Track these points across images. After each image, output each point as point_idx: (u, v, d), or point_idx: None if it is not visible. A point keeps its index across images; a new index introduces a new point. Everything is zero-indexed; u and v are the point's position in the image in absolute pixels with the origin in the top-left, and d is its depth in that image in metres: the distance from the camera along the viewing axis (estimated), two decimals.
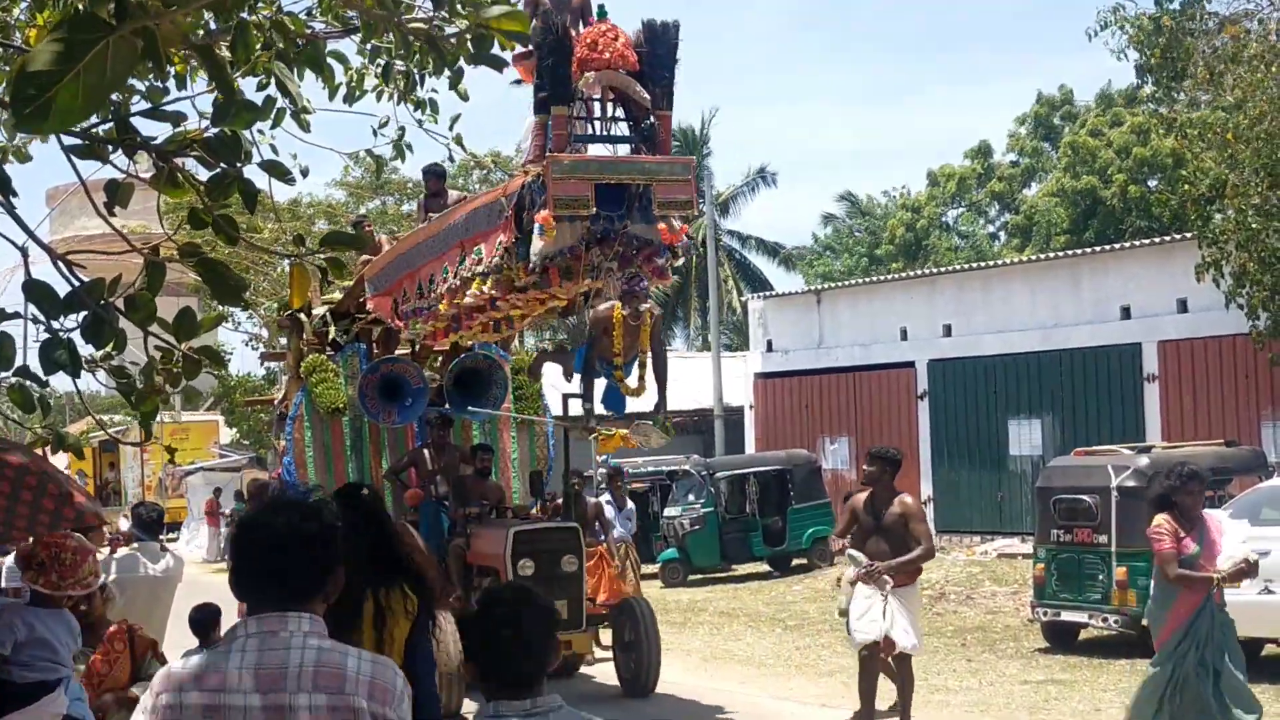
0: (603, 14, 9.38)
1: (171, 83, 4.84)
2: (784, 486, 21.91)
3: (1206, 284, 17.41)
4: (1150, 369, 20.54)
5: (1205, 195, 17.43)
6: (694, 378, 29.56)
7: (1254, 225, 16.11)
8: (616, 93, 9.15)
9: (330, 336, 13.82)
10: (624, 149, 9.34)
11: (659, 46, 9.23)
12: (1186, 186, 18.21)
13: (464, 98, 7.25)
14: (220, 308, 9.84)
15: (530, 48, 8.88)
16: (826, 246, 49.17)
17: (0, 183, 3.69)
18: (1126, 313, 20.86)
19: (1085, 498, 13.16)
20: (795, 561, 21.87)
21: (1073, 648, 13.54)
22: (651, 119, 9.17)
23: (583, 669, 12.96)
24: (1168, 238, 21.64)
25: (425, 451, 12.50)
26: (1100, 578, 12.91)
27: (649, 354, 10.59)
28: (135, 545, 8.54)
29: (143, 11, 1.55)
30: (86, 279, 3.43)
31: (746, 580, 21.03)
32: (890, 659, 9.28)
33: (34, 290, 3.24)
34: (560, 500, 13.36)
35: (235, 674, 2.91)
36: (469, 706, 10.20)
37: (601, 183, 8.81)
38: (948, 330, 23.27)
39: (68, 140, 3.41)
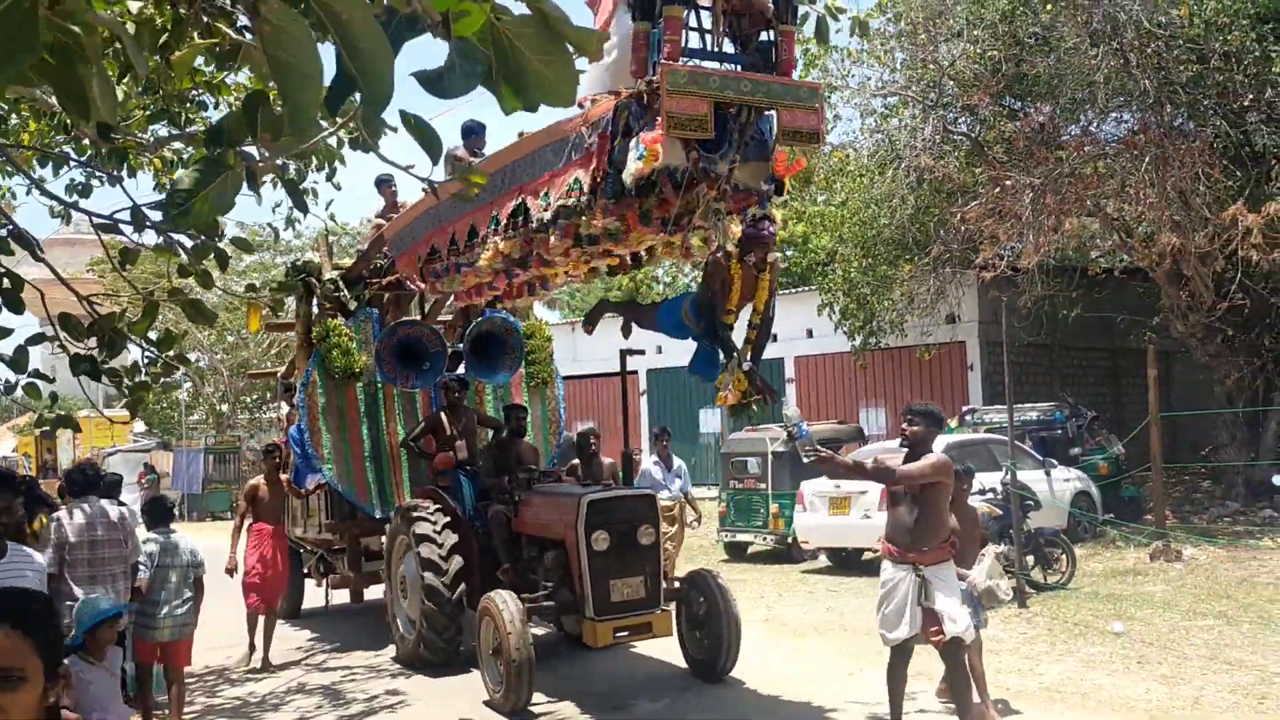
0: None
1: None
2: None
3: (824, 318, 18.54)
4: (790, 374, 21.12)
5: (823, 261, 18.57)
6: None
7: (854, 279, 17.15)
8: (729, 2, 5.40)
9: (344, 302, 10.16)
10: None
11: None
12: (811, 254, 19.38)
13: (337, 188, 7.38)
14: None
15: None
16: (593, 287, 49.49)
17: (26, 240, 3.67)
18: (775, 338, 21.38)
19: (751, 459, 13.48)
20: None
21: (744, 558, 13.82)
22: (771, 33, 5.46)
23: (635, 646, 8.26)
24: (801, 288, 22.19)
25: (442, 416, 9.03)
26: (761, 511, 13.26)
27: (758, 311, 6.59)
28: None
29: (248, 157, 1.76)
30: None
31: None
32: (939, 649, 5.53)
33: (66, 321, 3.29)
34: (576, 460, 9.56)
35: (78, 513, 5.78)
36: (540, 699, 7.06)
37: (720, 102, 5.12)
38: (660, 349, 23.84)
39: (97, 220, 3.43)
